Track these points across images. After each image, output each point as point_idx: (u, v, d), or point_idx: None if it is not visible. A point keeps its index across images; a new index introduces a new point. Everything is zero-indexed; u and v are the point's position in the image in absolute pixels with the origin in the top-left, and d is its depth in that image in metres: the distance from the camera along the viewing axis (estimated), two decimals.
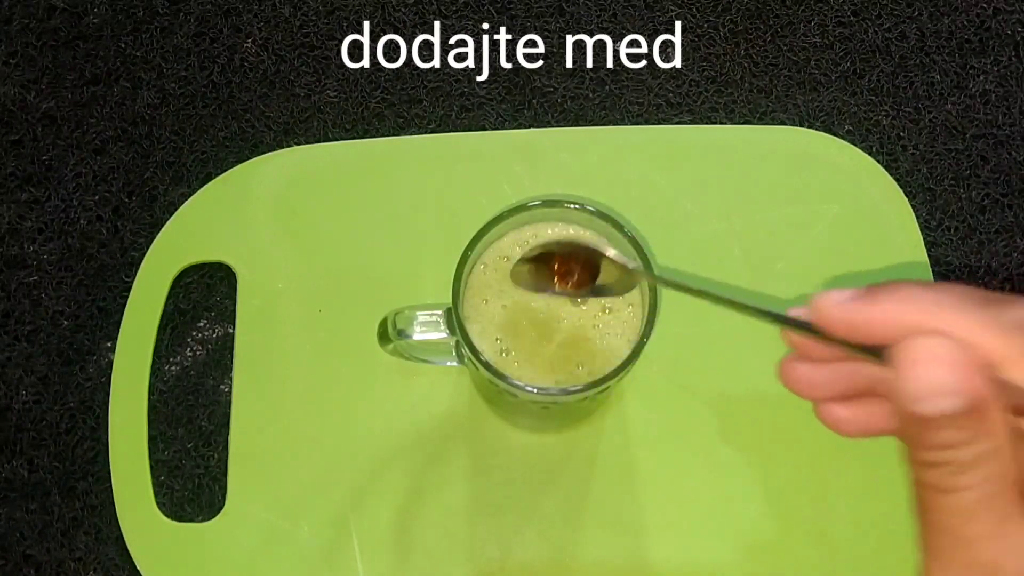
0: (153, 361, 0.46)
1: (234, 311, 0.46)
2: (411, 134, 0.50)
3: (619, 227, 0.36)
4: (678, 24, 0.52)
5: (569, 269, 0.35)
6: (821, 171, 0.49)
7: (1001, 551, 0.23)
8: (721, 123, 0.51)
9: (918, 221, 0.48)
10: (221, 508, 0.44)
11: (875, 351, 0.24)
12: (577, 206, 0.36)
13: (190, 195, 0.48)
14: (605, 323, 0.37)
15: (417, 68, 0.52)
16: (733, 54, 0.52)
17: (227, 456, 0.44)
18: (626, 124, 0.50)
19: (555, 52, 0.52)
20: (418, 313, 0.38)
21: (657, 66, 0.52)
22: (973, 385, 0.23)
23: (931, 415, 0.23)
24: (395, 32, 0.52)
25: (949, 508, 0.23)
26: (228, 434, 0.45)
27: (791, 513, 0.43)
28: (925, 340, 0.23)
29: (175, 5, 0.53)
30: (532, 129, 0.50)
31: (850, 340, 0.25)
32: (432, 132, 0.50)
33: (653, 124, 0.50)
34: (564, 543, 0.43)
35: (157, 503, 0.44)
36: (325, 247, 0.47)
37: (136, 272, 0.47)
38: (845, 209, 0.48)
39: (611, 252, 0.33)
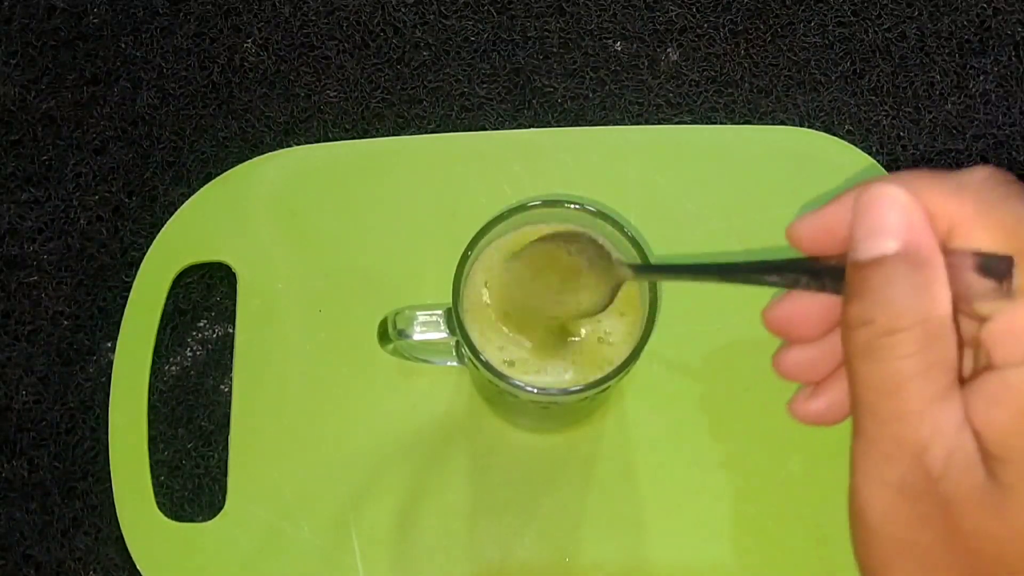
0: (153, 361, 0.46)
1: (234, 311, 0.46)
2: (411, 134, 0.50)
3: (619, 227, 0.36)
4: (678, 24, 0.52)
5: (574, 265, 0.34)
6: (821, 171, 0.49)
7: (930, 431, 0.22)
8: (721, 123, 0.51)
9: None
10: (221, 508, 0.44)
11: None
12: (577, 206, 0.36)
13: (190, 195, 0.48)
14: (605, 323, 0.37)
15: (417, 68, 0.52)
16: (733, 54, 0.52)
17: (227, 456, 0.44)
18: (626, 124, 0.50)
19: (555, 52, 0.52)
20: (418, 313, 0.38)
21: (657, 66, 0.52)
22: (917, 231, 0.22)
23: (871, 258, 0.22)
24: (395, 32, 0.52)
25: (880, 376, 0.22)
26: (228, 434, 0.45)
27: (791, 513, 0.43)
28: (879, 184, 0.23)
29: (175, 5, 0.53)
30: (532, 129, 0.50)
31: (831, 253, 0.25)
32: (432, 132, 0.50)
33: (653, 124, 0.50)
34: (564, 543, 0.43)
35: (157, 503, 0.44)
36: (325, 247, 0.47)
37: (136, 272, 0.47)
38: None
39: (601, 240, 0.33)
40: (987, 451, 0.22)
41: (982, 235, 0.22)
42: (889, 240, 0.22)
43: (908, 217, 0.22)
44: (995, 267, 0.21)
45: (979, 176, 0.22)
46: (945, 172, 0.23)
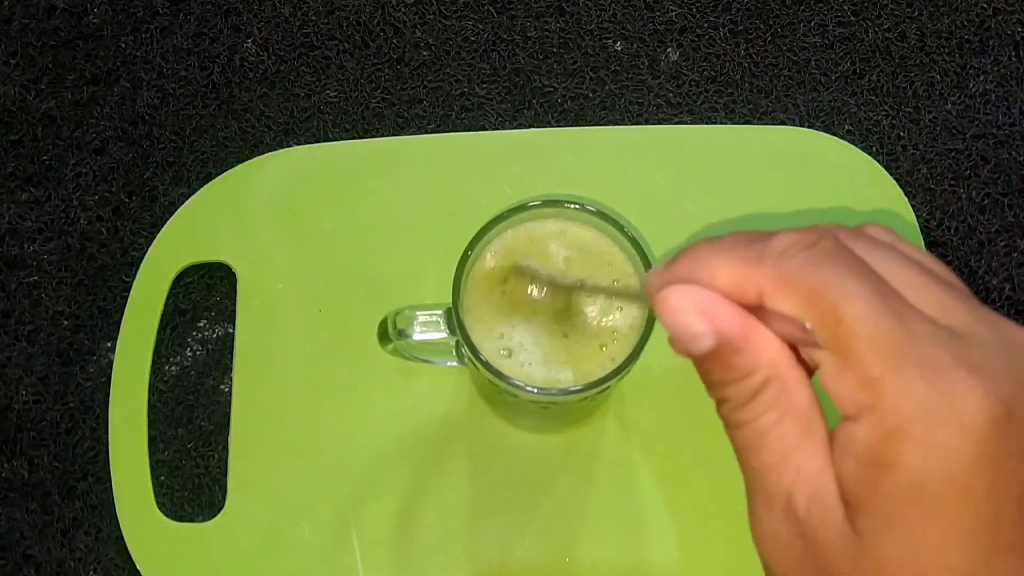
0: (153, 361, 0.46)
1: (234, 311, 0.46)
2: (411, 134, 0.50)
3: (619, 227, 0.36)
4: (678, 24, 0.52)
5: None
6: (821, 171, 0.49)
7: (792, 477, 0.23)
8: (721, 123, 0.51)
9: (918, 221, 0.48)
10: (221, 508, 0.44)
11: None
12: (577, 206, 0.36)
13: (190, 195, 0.48)
14: (605, 323, 0.37)
15: (417, 68, 0.52)
16: (733, 54, 0.52)
17: (227, 456, 0.44)
18: (626, 124, 0.50)
19: (555, 52, 0.52)
20: (418, 313, 0.38)
21: (657, 66, 0.52)
22: (717, 324, 0.24)
23: (697, 356, 0.25)
24: (395, 32, 0.52)
25: (738, 442, 0.25)
26: (228, 434, 0.45)
27: None
28: (668, 290, 0.24)
29: (175, 5, 0.53)
30: (532, 129, 0.50)
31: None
32: (432, 132, 0.50)
33: (653, 124, 0.50)
34: (564, 543, 0.43)
35: (157, 503, 0.44)
36: (325, 247, 0.47)
37: (136, 272, 0.47)
38: (845, 209, 0.48)
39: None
40: (844, 499, 0.23)
41: (784, 302, 0.23)
42: (702, 340, 0.24)
43: (705, 311, 0.24)
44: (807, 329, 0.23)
45: (779, 246, 0.24)
46: (752, 238, 0.24)
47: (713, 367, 0.24)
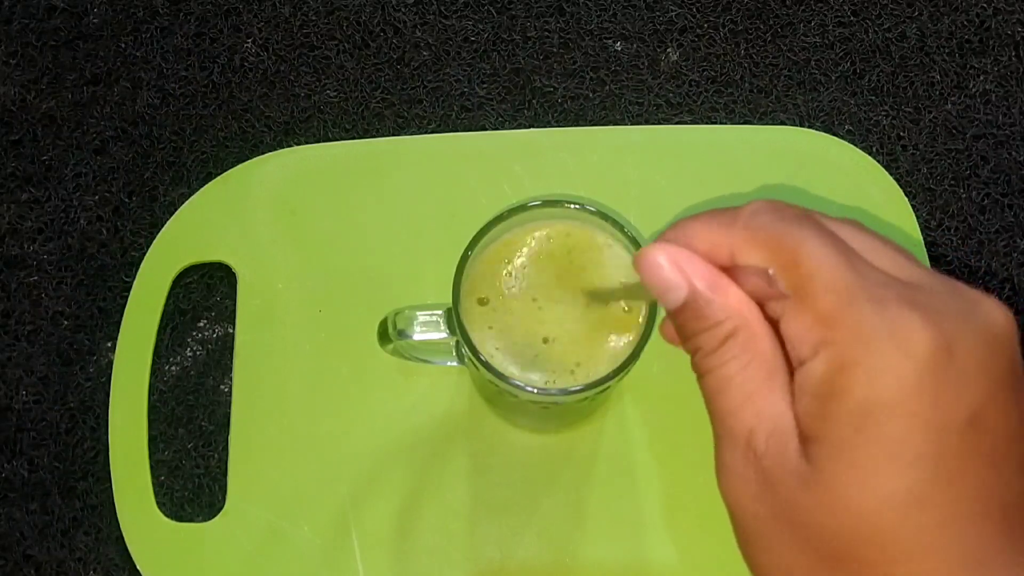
0: (153, 361, 0.46)
1: (234, 311, 0.46)
2: (411, 134, 0.50)
3: (619, 227, 0.36)
4: (678, 24, 0.52)
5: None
6: (821, 171, 0.49)
7: (753, 418, 0.25)
8: (721, 123, 0.51)
9: (918, 221, 0.48)
10: (221, 508, 0.44)
11: None
12: (577, 206, 0.36)
13: (190, 195, 0.48)
14: (605, 323, 0.37)
15: (417, 68, 0.52)
16: (733, 54, 0.52)
17: (227, 456, 0.44)
18: (626, 124, 0.50)
19: (555, 52, 0.52)
20: (418, 313, 0.38)
21: (657, 66, 0.52)
22: (694, 271, 0.26)
23: (671, 308, 0.27)
24: (395, 32, 0.52)
25: (707, 388, 0.27)
26: (228, 434, 0.45)
27: None
28: (645, 248, 0.27)
29: (175, 5, 0.53)
30: (532, 129, 0.50)
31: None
32: (432, 132, 0.50)
33: (653, 124, 0.50)
34: (564, 543, 0.43)
35: (157, 503, 0.44)
36: (325, 247, 0.47)
37: (136, 272, 0.47)
38: (845, 209, 0.48)
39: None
40: (802, 434, 0.25)
41: (752, 255, 0.26)
42: (676, 291, 0.26)
43: (680, 265, 0.26)
44: (771, 277, 0.25)
45: (750, 209, 0.26)
46: (728, 209, 0.27)
47: (687, 318, 0.27)
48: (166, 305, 0.47)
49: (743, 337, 0.26)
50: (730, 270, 0.26)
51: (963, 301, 0.24)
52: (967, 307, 0.24)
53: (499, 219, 0.36)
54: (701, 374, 0.27)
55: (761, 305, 0.26)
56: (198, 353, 0.47)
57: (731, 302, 0.26)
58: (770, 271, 0.25)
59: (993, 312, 0.24)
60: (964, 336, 0.23)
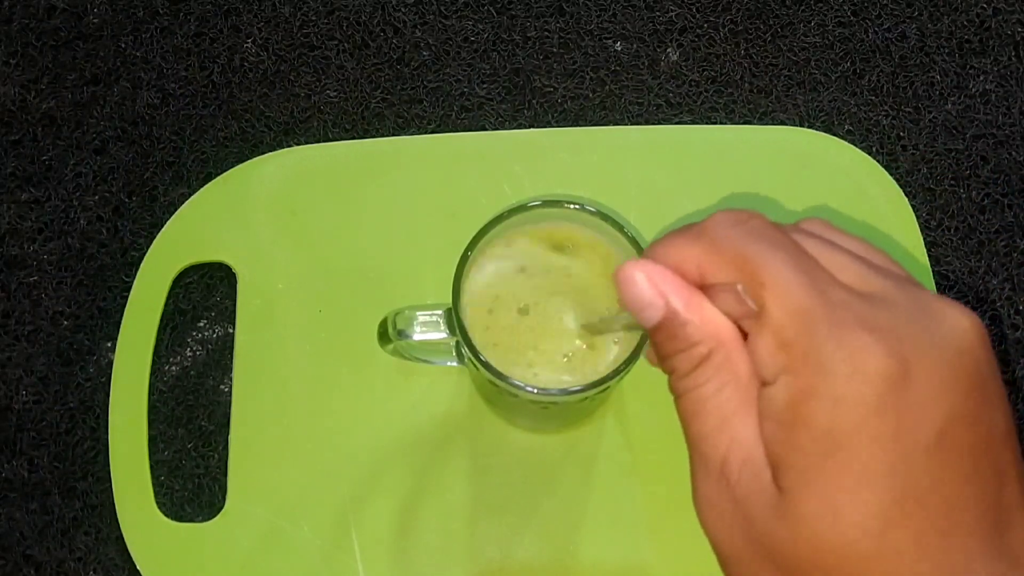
0: (153, 361, 0.46)
1: (234, 311, 0.46)
2: (411, 134, 0.50)
3: (619, 227, 0.36)
4: (678, 24, 0.52)
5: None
6: (821, 171, 0.49)
7: (727, 444, 0.25)
8: (721, 123, 0.51)
9: (918, 221, 0.48)
10: (221, 508, 0.44)
11: None
12: (577, 206, 0.36)
13: (190, 195, 0.48)
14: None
15: (417, 68, 0.52)
16: (733, 54, 0.52)
17: (227, 456, 0.44)
18: (626, 124, 0.50)
19: (555, 52, 0.52)
20: (418, 313, 0.38)
21: (657, 66, 0.52)
22: (665, 294, 0.26)
23: (648, 327, 0.26)
24: (395, 32, 0.52)
25: (682, 411, 0.26)
26: (228, 434, 0.45)
27: None
28: (622, 267, 0.26)
29: (175, 5, 0.53)
30: (532, 129, 0.50)
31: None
32: (432, 132, 0.50)
33: (653, 124, 0.50)
34: (564, 543, 0.43)
35: (157, 503, 0.44)
36: (325, 247, 0.47)
37: (136, 272, 0.47)
38: (845, 209, 0.48)
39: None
40: (769, 460, 0.24)
41: (719, 271, 0.25)
42: (652, 309, 0.26)
43: (656, 283, 0.26)
44: (740, 294, 0.25)
45: (711, 222, 0.26)
46: (693, 225, 0.27)
47: (663, 339, 0.26)
48: (166, 305, 0.47)
49: (718, 359, 0.25)
50: (703, 288, 0.26)
51: (925, 316, 0.24)
52: (930, 323, 0.24)
53: (499, 219, 0.36)
54: (676, 396, 0.27)
55: (736, 322, 0.26)
56: (198, 353, 0.47)
57: (707, 324, 0.26)
58: (739, 287, 0.25)
59: (957, 324, 0.24)
60: (924, 356, 0.23)
